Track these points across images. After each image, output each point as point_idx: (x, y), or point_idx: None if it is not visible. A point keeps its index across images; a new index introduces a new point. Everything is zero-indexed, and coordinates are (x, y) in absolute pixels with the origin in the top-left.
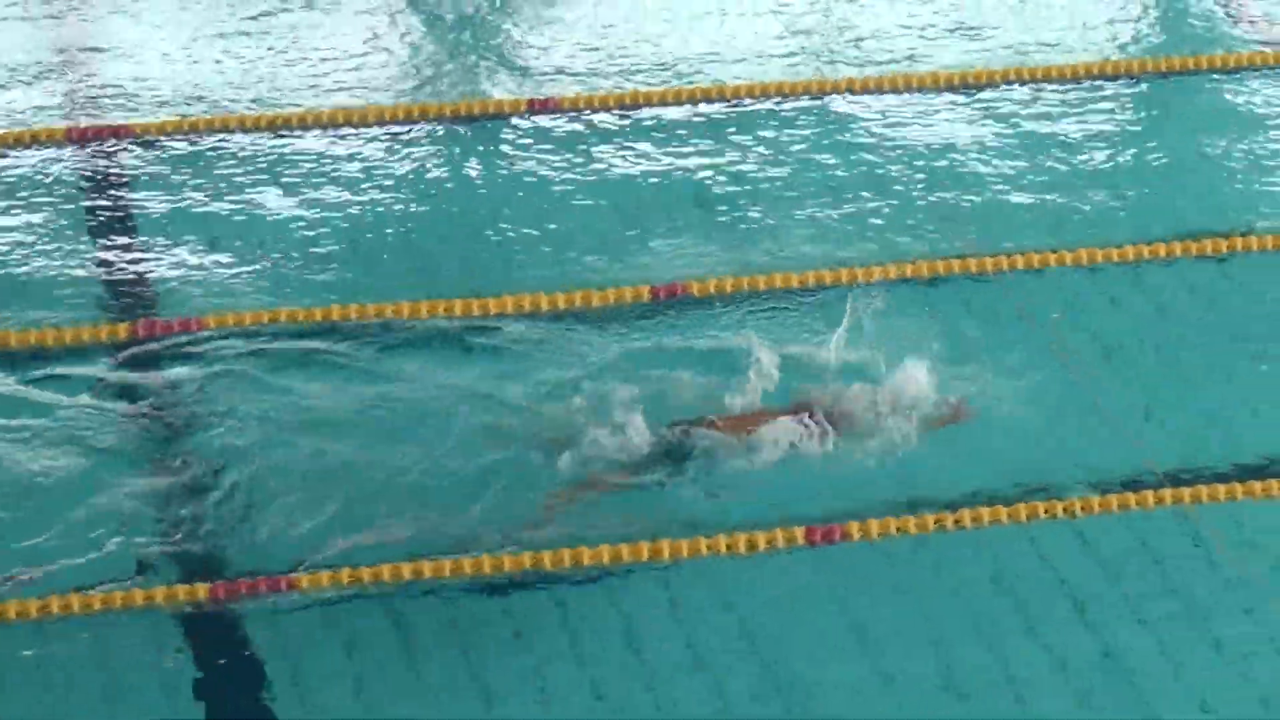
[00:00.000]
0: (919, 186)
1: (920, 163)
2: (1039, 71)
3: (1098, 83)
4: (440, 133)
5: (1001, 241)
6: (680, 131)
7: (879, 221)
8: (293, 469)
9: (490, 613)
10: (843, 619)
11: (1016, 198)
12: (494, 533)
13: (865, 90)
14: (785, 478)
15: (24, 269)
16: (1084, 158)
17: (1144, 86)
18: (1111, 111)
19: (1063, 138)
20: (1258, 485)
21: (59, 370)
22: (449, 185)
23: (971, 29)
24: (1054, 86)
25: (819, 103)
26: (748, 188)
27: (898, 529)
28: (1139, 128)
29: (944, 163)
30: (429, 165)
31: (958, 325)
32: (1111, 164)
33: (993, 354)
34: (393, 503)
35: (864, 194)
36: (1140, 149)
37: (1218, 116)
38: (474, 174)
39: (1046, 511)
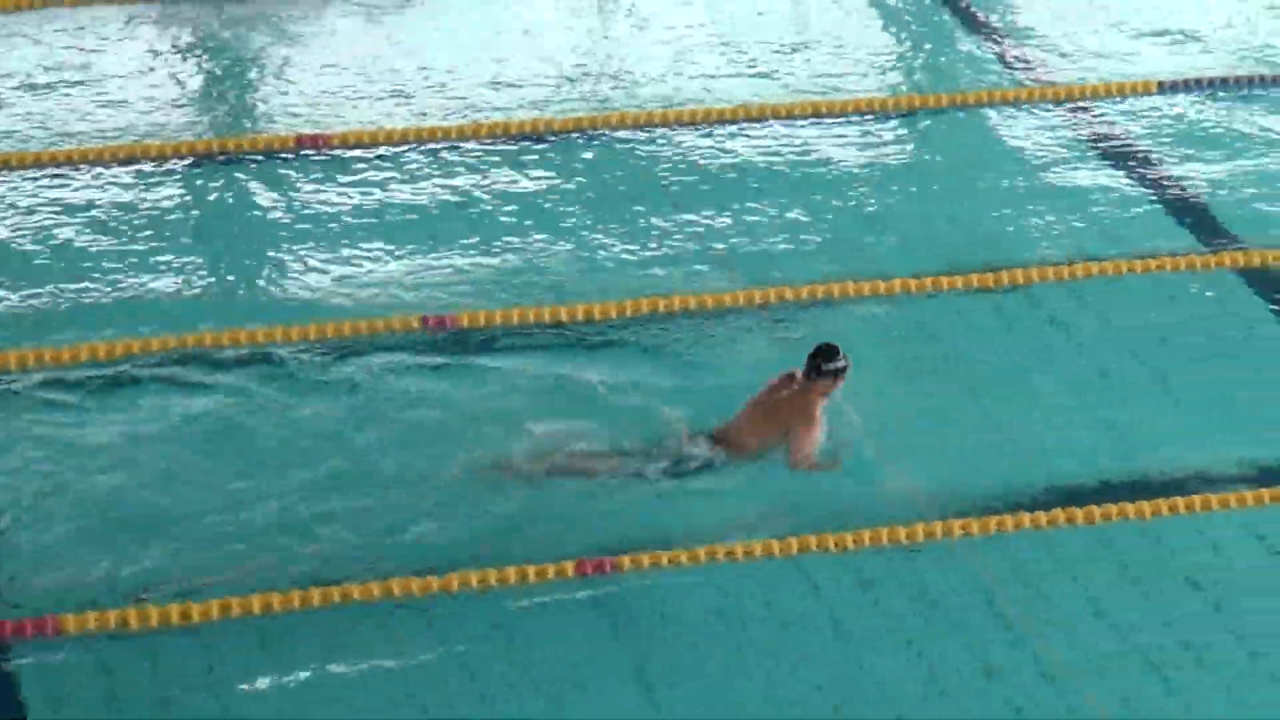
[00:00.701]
0: (697, 221)
1: (701, 197)
2: (821, 106)
3: (872, 118)
4: (211, 167)
5: (770, 273)
6: (458, 164)
7: (657, 252)
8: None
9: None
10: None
11: (791, 231)
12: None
13: (639, 125)
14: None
15: None
16: (858, 192)
17: (921, 122)
18: (886, 146)
19: (837, 172)
20: (1010, 519)
21: None
22: (223, 220)
23: (751, 66)
24: (830, 122)
25: (594, 137)
26: (527, 220)
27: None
28: (912, 161)
29: (723, 197)
30: (205, 201)
31: (693, 362)
32: (886, 197)
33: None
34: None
35: (639, 227)
36: (912, 183)
37: (987, 151)
38: (248, 208)
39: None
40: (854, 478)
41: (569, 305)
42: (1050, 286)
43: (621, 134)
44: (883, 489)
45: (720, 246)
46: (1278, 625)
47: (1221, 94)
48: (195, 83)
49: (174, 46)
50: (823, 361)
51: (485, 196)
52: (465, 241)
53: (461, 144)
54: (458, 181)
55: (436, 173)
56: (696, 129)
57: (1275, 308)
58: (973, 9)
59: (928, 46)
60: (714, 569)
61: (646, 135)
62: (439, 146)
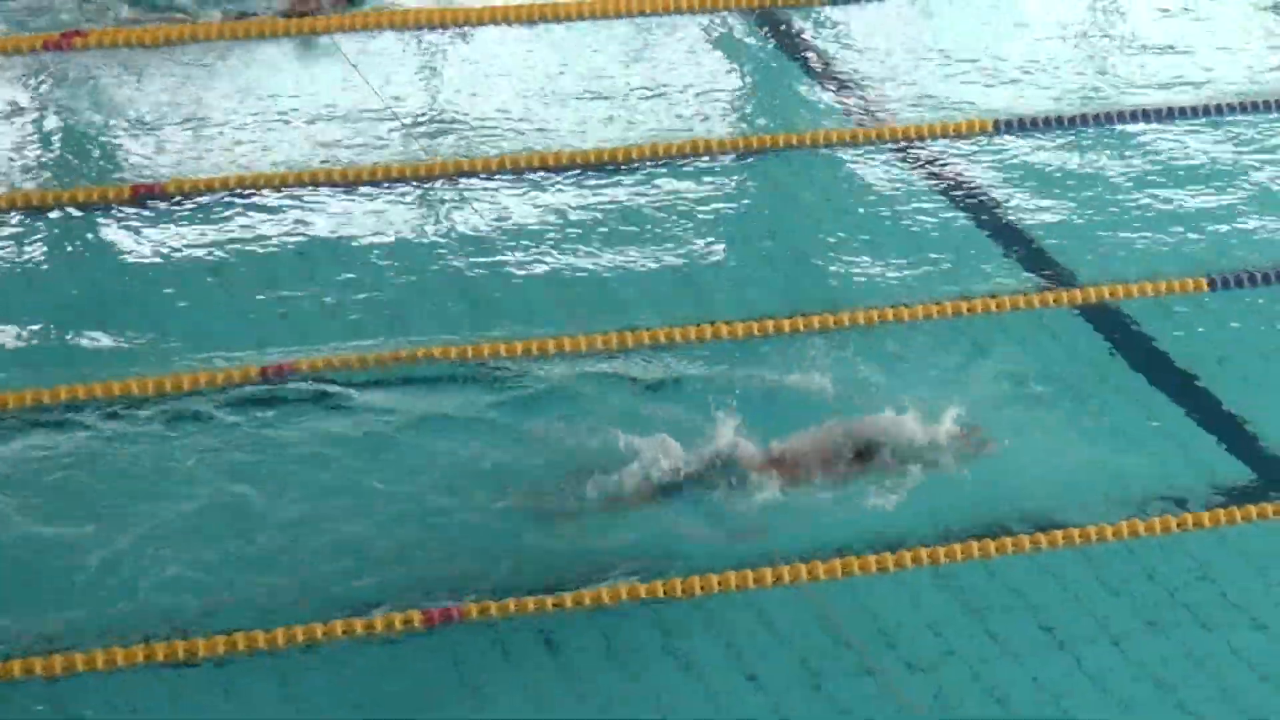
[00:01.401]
0: (526, 265)
1: (529, 241)
2: (659, 148)
3: (710, 160)
4: (44, 220)
5: (619, 317)
6: (284, 213)
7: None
8: None
9: None
10: None
11: (626, 275)
12: None
13: (475, 172)
14: None
15: None
16: (699, 233)
17: (760, 164)
18: (721, 186)
19: (676, 215)
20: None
21: None
22: (59, 270)
23: (591, 111)
24: (670, 164)
25: (430, 185)
26: (350, 275)
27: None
28: (747, 202)
29: (559, 239)
30: (38, 252)
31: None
32: (720, 238)
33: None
34: None
35: (474, 273)
36: (752, 225)
37: (826, 192)
38: (80, 260)
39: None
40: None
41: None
42: (890, 326)
43: (465, 181)
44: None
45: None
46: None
47: (1055, 133)
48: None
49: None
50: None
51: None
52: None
53: (302, 189)
54: (296, 227)
55: (279, 218)
56: (536, 175)
57: (1113, 344)
58: (810, 51)
59: (765, 88)
60: None
61: (483, 182)
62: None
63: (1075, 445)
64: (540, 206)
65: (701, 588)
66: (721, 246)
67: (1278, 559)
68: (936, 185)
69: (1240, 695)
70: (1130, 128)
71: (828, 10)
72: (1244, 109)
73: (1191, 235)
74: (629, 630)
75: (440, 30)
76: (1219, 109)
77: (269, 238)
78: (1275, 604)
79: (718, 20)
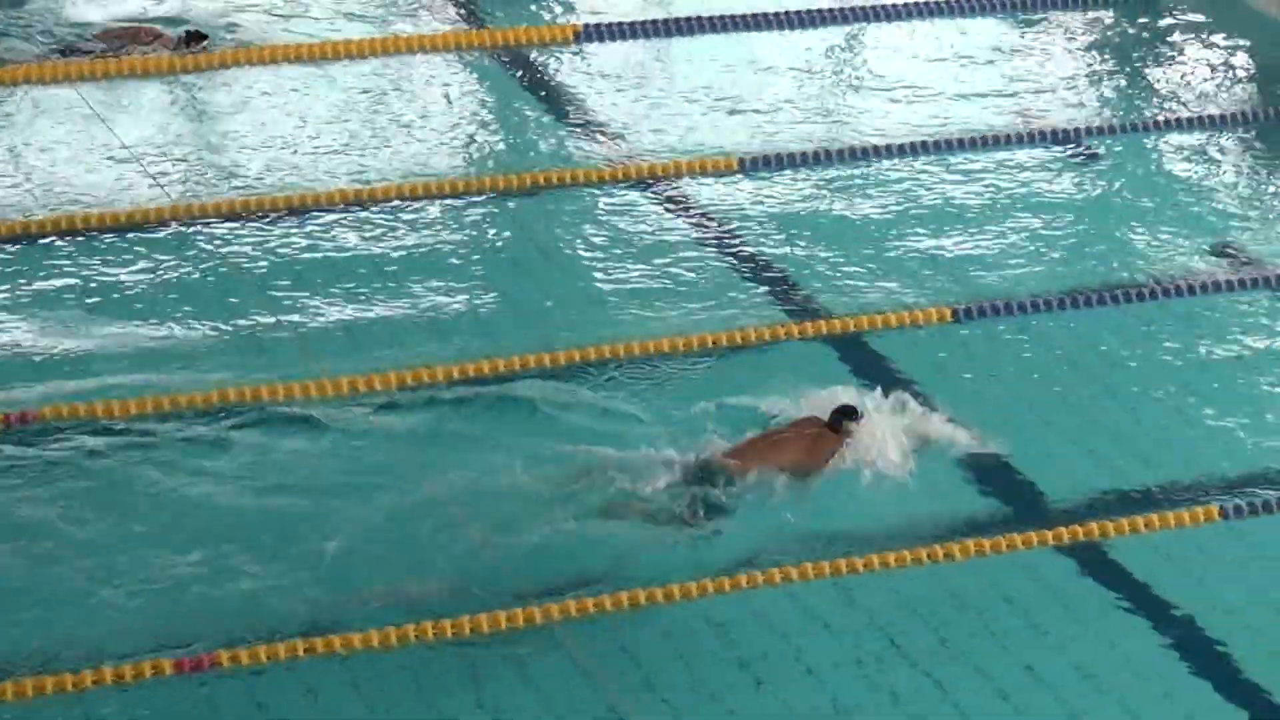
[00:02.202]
0: (311, 307)
1: (302, 283)
2: (405, 189)
3: (458, 200)
4: None
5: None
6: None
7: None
8: None
9: None
10: None
11: (372, 317)
12: None
13: (221, 215)
14: None
15: None
16: (444, 274)
17: (507, 203)
18: (471, 228)
19: (421, 254)
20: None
21: None
22: None
23: (341, 151)
24: (418, 204)
25: (183, 229)
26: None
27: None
28: (499, 243)
29: (311, 283)
30: None
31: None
32: (471, 280)
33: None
34: None
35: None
36: (500, 264)
37: (574, 231)
38: None
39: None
40: None
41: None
42: (639, 361)
43: (216, 223)
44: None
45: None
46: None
47: (800, 171)
48: None
49: None
50: (846, 419)
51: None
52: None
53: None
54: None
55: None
56: (294, 215)
57: (856, 370)
58: (559, 92)
59: (514, 129)
60: None
61: (236, 225)
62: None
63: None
64: (285, 249)
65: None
66: (468, 287)
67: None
68: (685, 223)
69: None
70: (873, 165)
71: (576, 51)
72: (980, 145)
73: (932, 269)
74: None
75: (193, 74)
76: (957, 144)
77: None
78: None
79: (468, 60)
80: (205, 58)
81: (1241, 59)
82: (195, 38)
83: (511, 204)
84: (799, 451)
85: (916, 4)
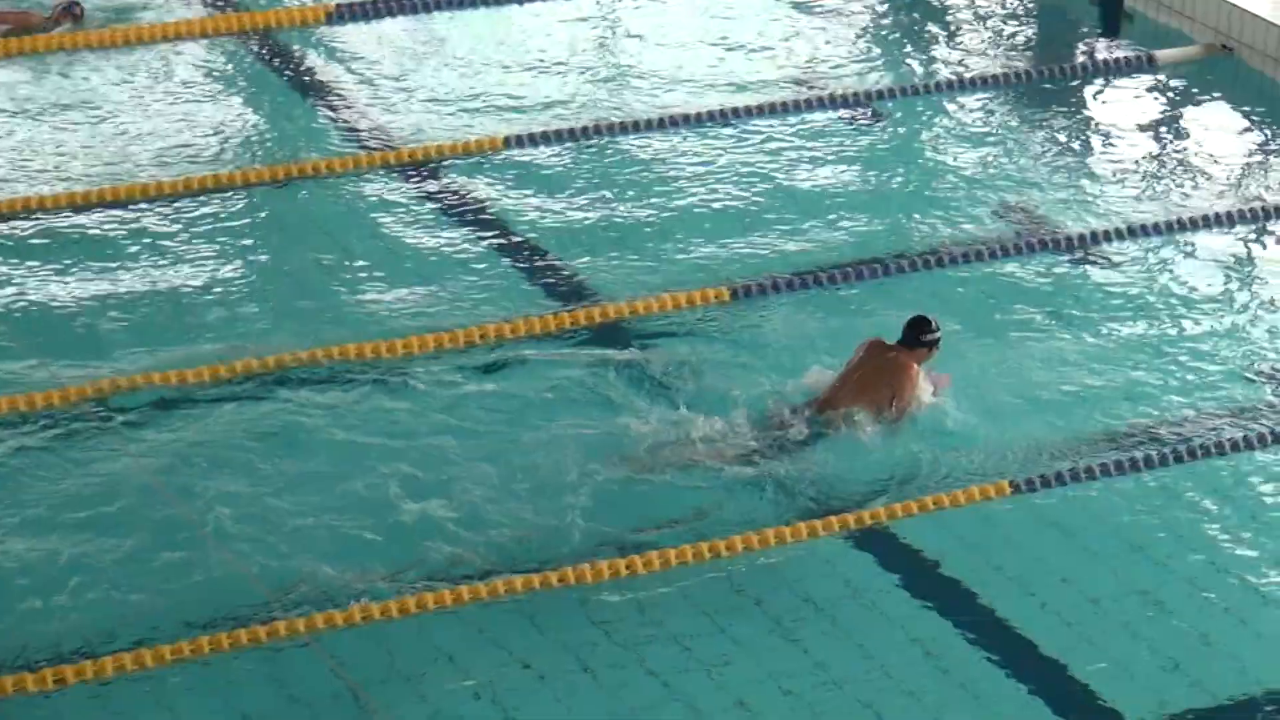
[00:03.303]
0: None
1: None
2: (165, 186)
3: (216, 194)
4: None
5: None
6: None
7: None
8: None
9: None
10: None
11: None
12: None
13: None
14: None
15: None
16: (202, 266)
17: (266, 194)
18: (226, 219)
19: (178, 251)
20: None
21: None
22: None
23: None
24: (176, 199)
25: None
26: None
27: None
28: (255, 234)
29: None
30: None
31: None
32: (227, 270)
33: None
34: None
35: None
36: (259, 257)
37: (335, 220)
38: None
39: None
40: None
41: None
42: (420, 359)
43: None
44: None
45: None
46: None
47: (566, 147)
48: None
49: None
50: (921, 333)
51: None
52: None
53: None
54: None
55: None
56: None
57: (625, 357)
58: (313, 75)
59: (268, 116)
60: None
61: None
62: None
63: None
64: (34, 243)
65: None
66: (225, 277)
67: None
68: (449, 206)
69: None
70: (646, 138)
71: (327, 32)
72: (761, 113)
73: (710, 246)
74: None
75: None
76: (734, 113)
77: None
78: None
79: (218, 47)
80: None
81: (1022, 15)
82: None
83: (263, 197)
84: (881, 384)
85: None
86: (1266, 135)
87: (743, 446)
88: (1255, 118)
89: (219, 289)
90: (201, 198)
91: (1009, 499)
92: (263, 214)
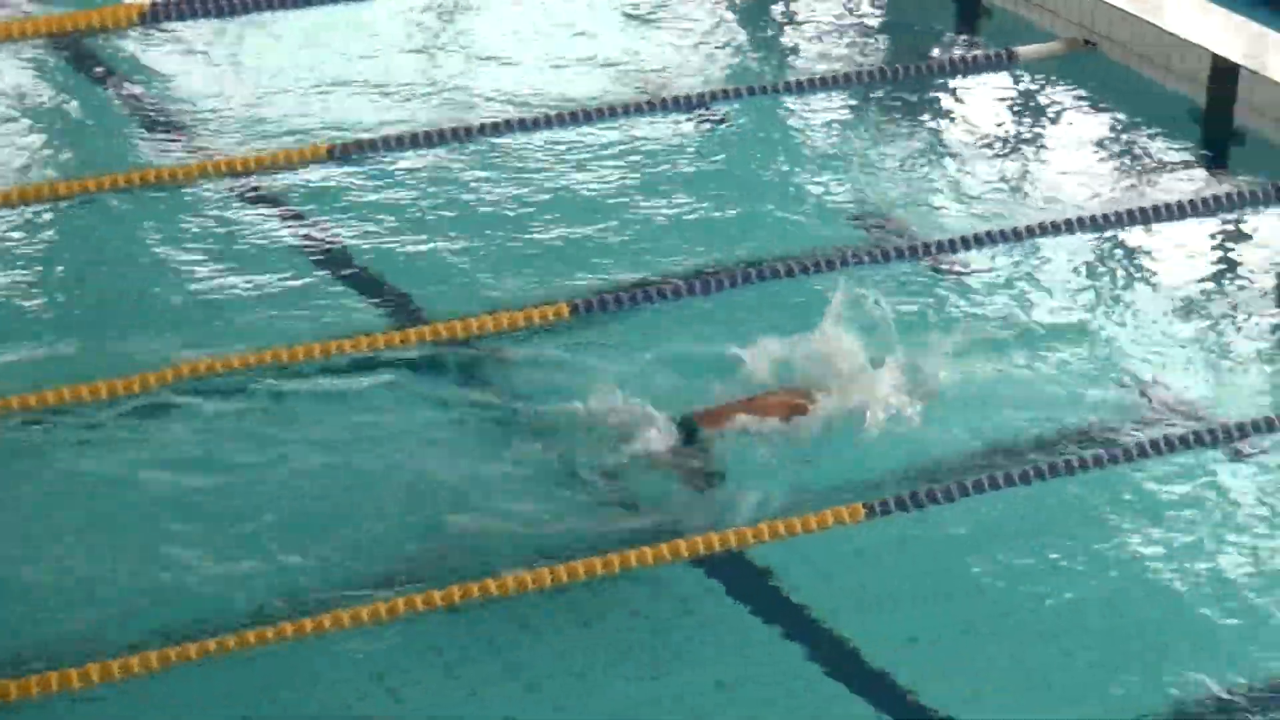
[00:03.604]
0: None
1: None
2: None
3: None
4: None
5: None
6: None
7: None
8: None
9: None
10: None
11: None
12: None
13: None
14: None
15: None
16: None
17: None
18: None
19: None
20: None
21: None
22: None
23: None
24: None
25: None
26: None
27: None
28: (65, 249)
29: None
30: None
31: None
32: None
33: None
34: None
35: None
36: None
37: (150, 232)
38: None
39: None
40: None
41: None
42: (266, 370)
43: None
44: None
45: None
46: None
47: (401, 156)
48: None
49: None
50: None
51: None
52: None
53: None
54: None
55: None
56: None
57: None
58: (130, 82)
59: (79, 125)
60: None
61: None
62: None
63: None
64: None
65: None
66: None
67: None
68: (270, 220)
69: None
70: (477, 150)
71: (141, 35)
72: (600, 117)
73: (549, 260)
74: None
75: None
76: (572, 118)
77: None
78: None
79: (17, 52)
80: None
81: (875, 13)
82: None
83: (77, 210)
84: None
85: None
86: (1131, 131)
87: (593, 467)
88: (1120, 114)
89: (19, 307)
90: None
91: (863, 522)
92: (71, 228)
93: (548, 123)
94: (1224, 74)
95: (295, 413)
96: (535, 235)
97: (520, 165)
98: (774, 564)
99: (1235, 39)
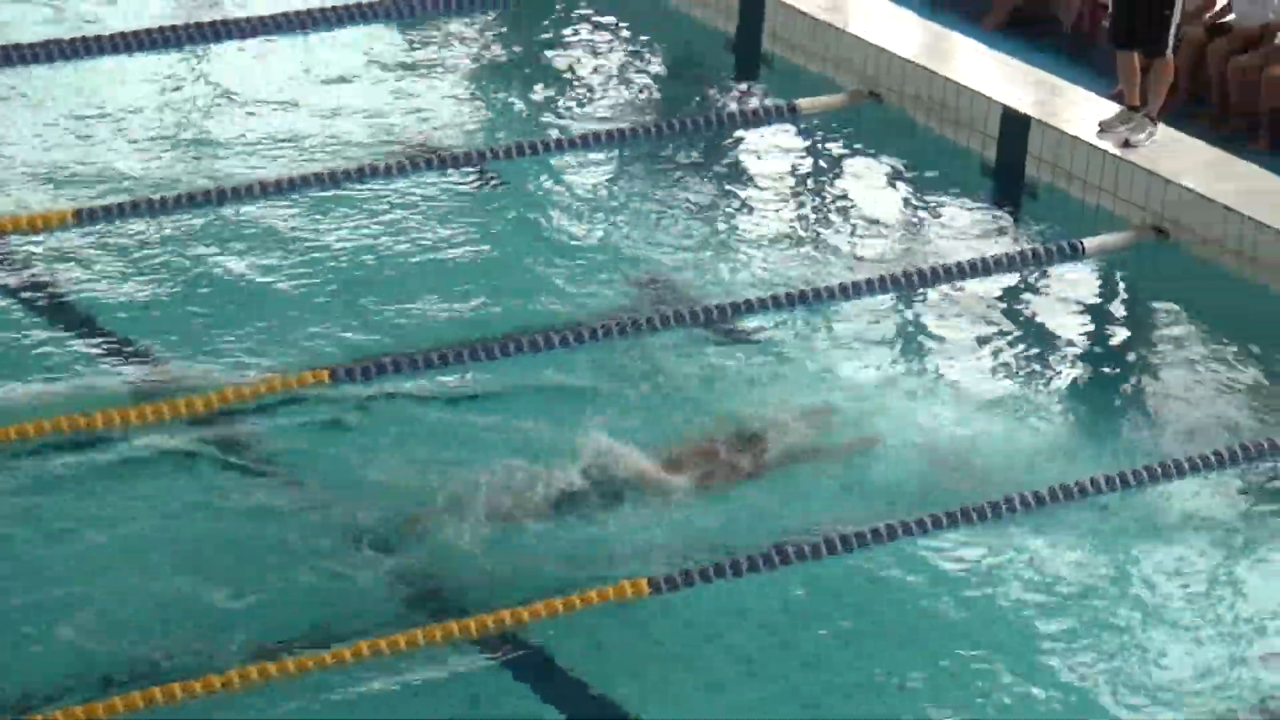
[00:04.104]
0: None
1: None
2: None
3: None
4: None
5: None
6: None
7: None
8: None
9: None
10: None
11: None
12: None
13: None
14: None
15: None
16: None
17: None
18: None
19: None
20: None
21: None
22: None
23: None
24: None
25: None
26: None
27: None
28: None
29: None
30: None
31: None
32: None
33: None
34: None
35: None
36: None
37: None
38: None
39: None
40: None
41: None
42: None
43: None
44: None
45: None
46: None
47: (153, 217)
48: None
49: None
50: None
51: None
52: None
53: None
54: None
55: None
56: None
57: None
58: None
59: None
60: None
61: None
62: None
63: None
64: None
65: None
66: None
67: None
68: (20, 286)
69: None
70: (235, 210)
71: None
72: (371, 175)
73: (310, 324)
74: None
75: None
76: (345, 175)
77: None
78: None
79: None
80: None
81: (654, 65)
82: None
83: None
84: None
85: (275, 19)
86: (916, 185)
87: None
88: (908, 168)
89: None
90: None
91: (648, 598)
92: None
93: (304, 183)
94: (1014, 126)
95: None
96: (296, 300)
97: (283, 226)
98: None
99: (1025, 90)
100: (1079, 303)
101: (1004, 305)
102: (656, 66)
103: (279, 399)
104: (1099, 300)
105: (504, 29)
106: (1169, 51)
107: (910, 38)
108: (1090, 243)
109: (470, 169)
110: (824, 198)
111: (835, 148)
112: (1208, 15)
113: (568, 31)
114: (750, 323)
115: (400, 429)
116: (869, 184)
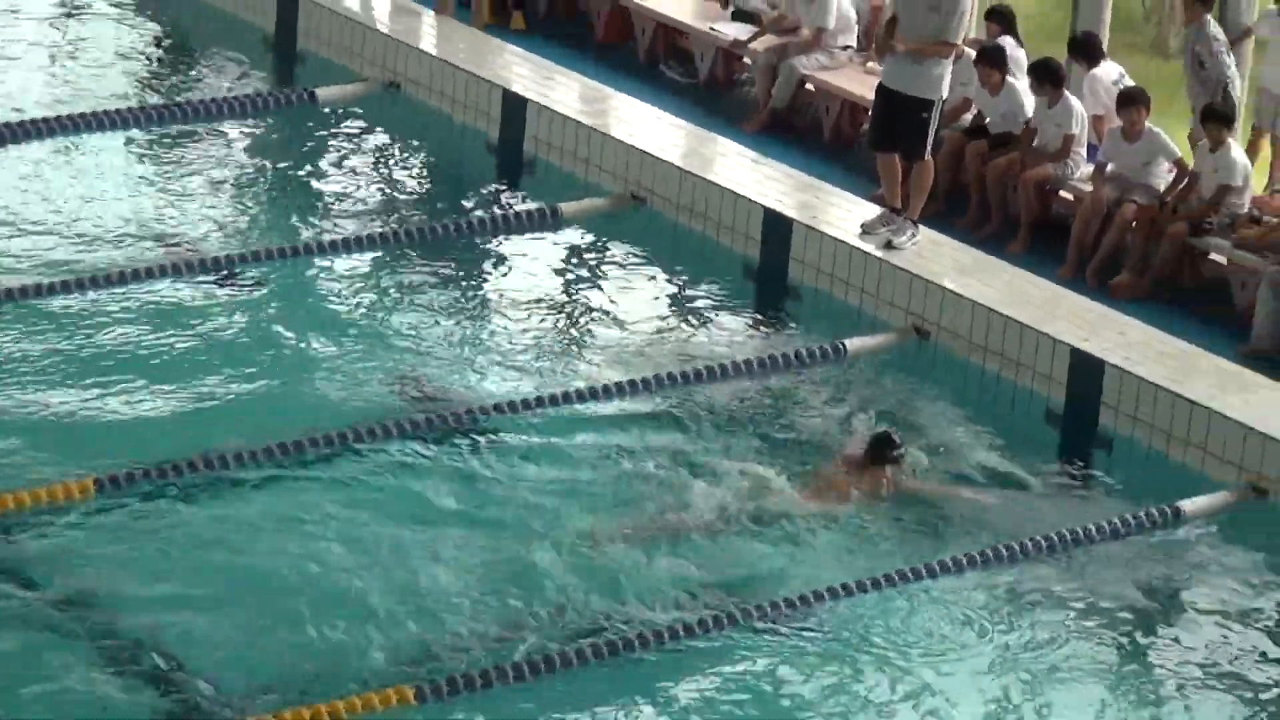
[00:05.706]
0: None
1: None
2: None
3: None
4: None
5: None
6: None
7: None
8: None
9: None
10: None
11: None
12: None
13: None
14: None
15: None
16: None
17: None
18: None
19: None
20: None
21: None
22: None
23: None
24: None
25: None
26: None
27: None
28: None
29: None
30: None
31: None
32: None
33: None
34: None
35: None
36: None
37: None
38: None
39: None
40: None
41: None
42: None
43: None
44: None
45: None
46: None
47: None
48: None
49: None
50: (887, 449)
51: None
52: None
53: None
54: None
55: None
56: None
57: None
58: None
59: None
60: None
61: None
62: None
63: None
64: None
65: None
66: None
67: None
68: None
69: None
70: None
71: None
72: (118, 281)
73: (71, 433)
74: None
75: None
76: (91, 283)
77: None
78: None
79: None
80: None
81: (417, 169)
82: None
83: None
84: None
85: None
86: (679, 287)
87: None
88: (668, 269)
89: None
90: None
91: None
92: None
93: (64, 288)
94: (776, 229)
95: None
96: (54, 406)
97: (35, 330)
98: None
99: (787, 193)
100: (839, 401)
101: (767, 405)
102: (419, 170)
103: (45, 511)
104: (860, 400)
105: (266, 134)
106: (928, 154)
107: (673, 141)
108: (852, 343)
109: (226, 272)
110: (588, 301)
111: (599, 251)
112: (966, 116)
113: (330, 135)
114: (502, 425)
115: (182, 534)
116: (632, 287)
